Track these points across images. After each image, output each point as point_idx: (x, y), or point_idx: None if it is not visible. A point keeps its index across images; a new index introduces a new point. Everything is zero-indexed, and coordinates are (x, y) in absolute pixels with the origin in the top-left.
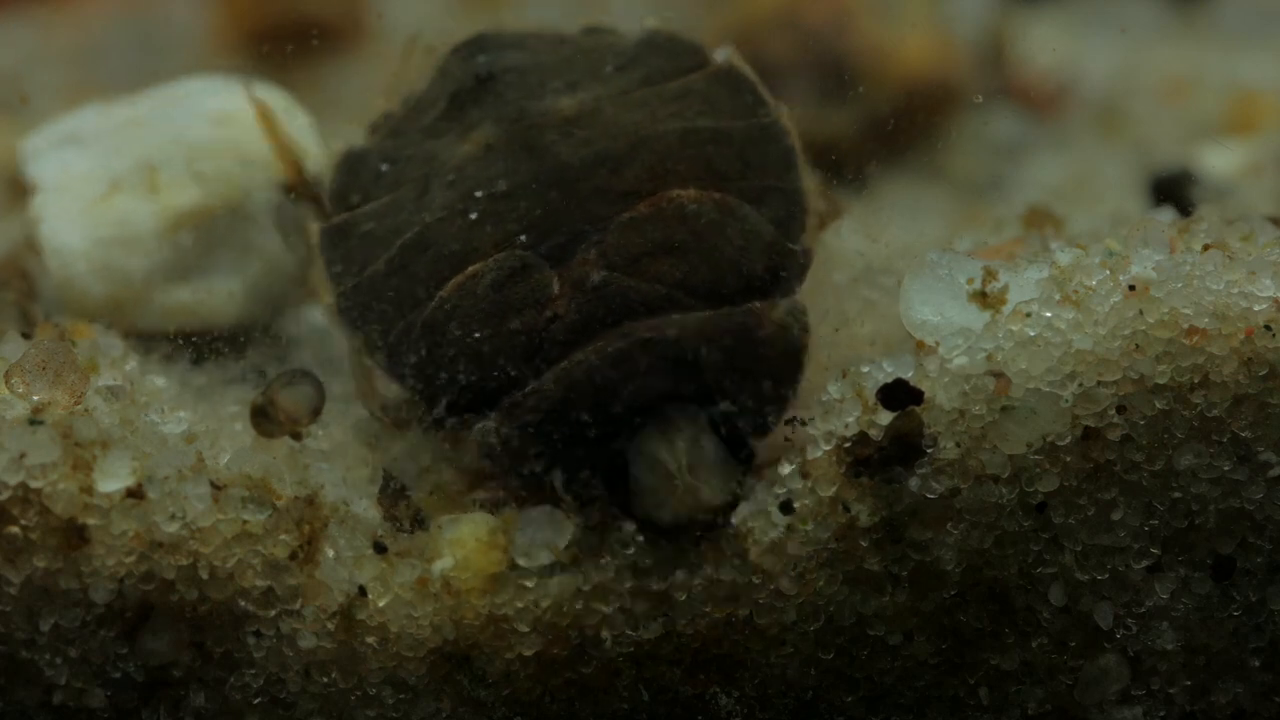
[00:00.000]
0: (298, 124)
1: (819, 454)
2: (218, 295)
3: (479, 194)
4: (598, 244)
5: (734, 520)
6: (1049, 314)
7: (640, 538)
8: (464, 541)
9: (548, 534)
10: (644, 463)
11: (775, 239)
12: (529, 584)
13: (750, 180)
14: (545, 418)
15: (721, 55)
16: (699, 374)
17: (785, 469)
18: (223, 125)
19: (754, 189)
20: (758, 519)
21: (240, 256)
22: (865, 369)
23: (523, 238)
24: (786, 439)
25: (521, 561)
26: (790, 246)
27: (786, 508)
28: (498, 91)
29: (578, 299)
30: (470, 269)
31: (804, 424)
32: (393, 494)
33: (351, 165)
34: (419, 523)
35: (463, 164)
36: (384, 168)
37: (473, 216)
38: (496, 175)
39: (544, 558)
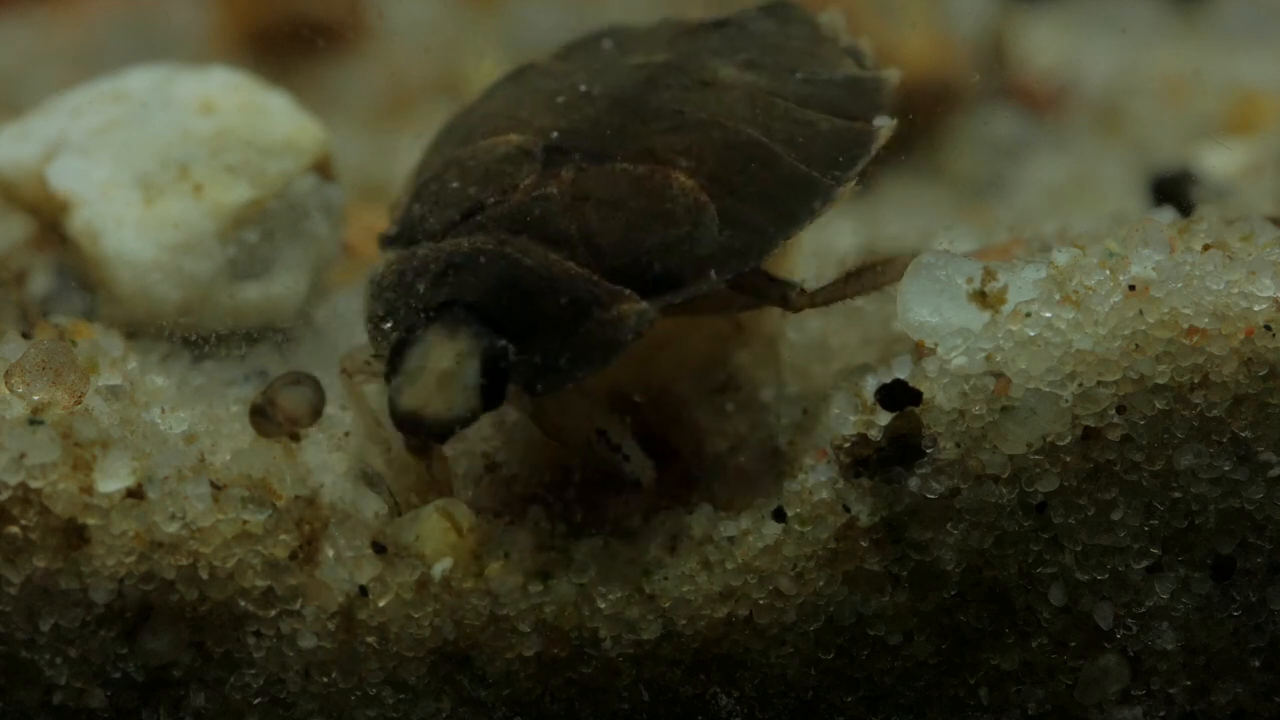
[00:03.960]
0: (301, 124)
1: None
2: (281, 289)
3: (582, 87)
4: (582, 170)
5: (736, 522)
6: (1049, 314)
7: (629, 536)
8: (432, 535)
9: (514, 549)
10: (415, 348)
11: (701, 262)
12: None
13: (747, 204)
14: (405, 276)
15: (881, 122)
16: (517, 309)
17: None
18: (210, 113)
19: (740, 212)
20: (756, 520)
21: (298, 248)
22: (861, 371)
23: (555, 134)
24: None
25: (494, 584)
26: (708, 273)
27: (779, 515)
28: (707, 34)
29: (521, 198)
30: (509, 135)
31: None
32: (371, 483)
33: (591, 41)
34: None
35: (614, 62)
36: (607, 44)
37: (559, 100)
38: (607, 80)
39: (514, 578)
